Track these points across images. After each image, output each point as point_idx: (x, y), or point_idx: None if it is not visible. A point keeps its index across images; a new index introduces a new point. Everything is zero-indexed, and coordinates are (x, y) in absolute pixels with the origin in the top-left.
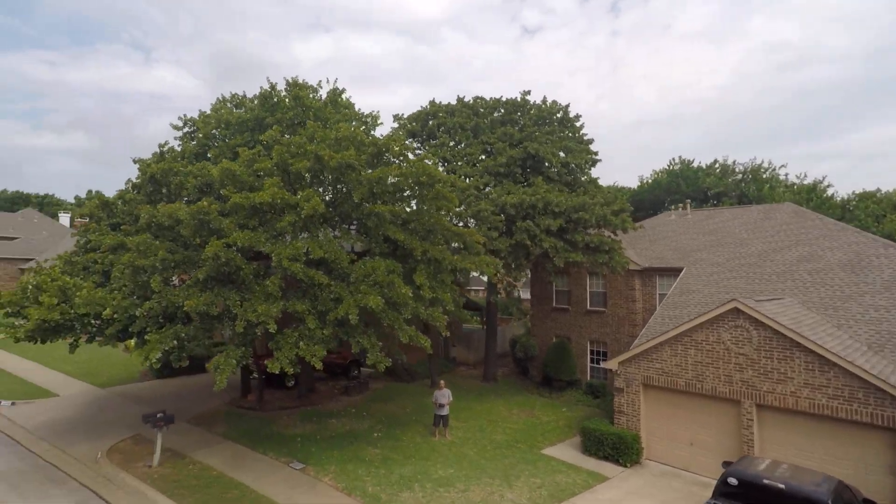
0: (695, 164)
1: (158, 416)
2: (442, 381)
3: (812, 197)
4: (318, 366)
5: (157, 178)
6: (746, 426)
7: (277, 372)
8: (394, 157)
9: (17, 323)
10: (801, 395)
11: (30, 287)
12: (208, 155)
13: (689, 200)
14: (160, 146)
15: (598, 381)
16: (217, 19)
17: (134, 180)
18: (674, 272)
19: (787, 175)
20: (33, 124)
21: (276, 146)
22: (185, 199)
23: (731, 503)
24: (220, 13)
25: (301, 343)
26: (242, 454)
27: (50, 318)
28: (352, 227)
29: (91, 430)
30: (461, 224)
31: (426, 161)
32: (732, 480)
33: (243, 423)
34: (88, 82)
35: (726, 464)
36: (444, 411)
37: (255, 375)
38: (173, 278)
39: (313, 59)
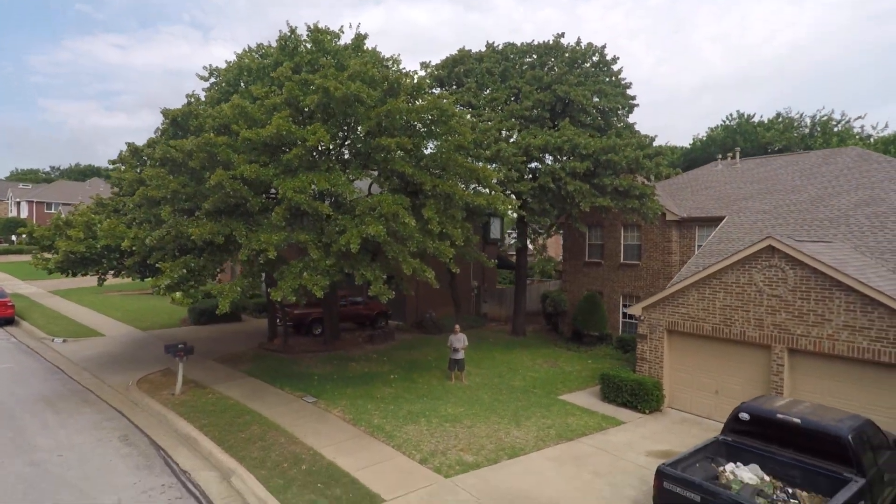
0: (755, 119)
1: (179, 346)
2: (457, 326)
3: (891, 149)
4: (320, 294)
5: (178, 121)
6: (776, 372)
7: (279, 300)
8: (406, 94)
9: (47, 256)
10: (839, 338)
11: (60, 223)
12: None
13: (738, 149)
14: (187, 96)
15: (629, 335)
16: None
17: (161, 126)
18: (715, 222)
19: (862, 127)
20: (106, 105)
21: (287, 83)
22: None
23: (742, 439)
24: None
25: (305, 273)
26: (261, 388)
27: (76, 250)
28: (369, 169)
29: (127, 365)
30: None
31: (443, 100)
32: (744, 416)
33: (266, 363)
34: (153, 63)
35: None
36: (459, 355)
37: (281, 321)
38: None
39: (364, 31)
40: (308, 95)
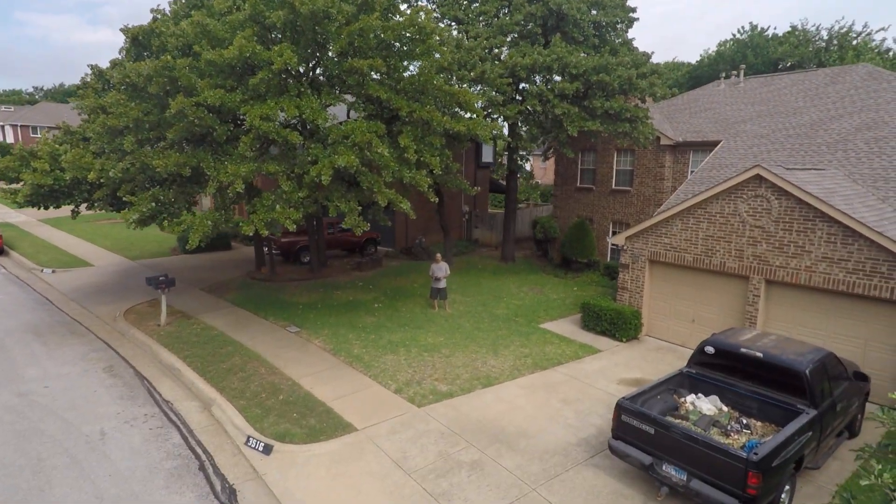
0: (769, 33)
1: (161, 278)
2: (438, 255)
3: None
4: (292, 228)
5: (139, 40)
6: (752, 302)
7: (251, 234)
8: (381, 8)
9: (15, 188)
10: (816, 269)
11: (24, 153)
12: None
13: (742, 66)
14: (152, 10)
15: (616, 262)
16: None
17: (124, 46)
18: (710, 146)
19: (883, 40)
20: (88, 19)
21: None
22: None
23: (706, 372)
24: None
25: (277, 206)
26: (245, 318)
27: (44, 182)
28: (344, 94)
29: (115, 295)
30: (465, 87)
31: (421, 14)
32: (709, 349)
33: (253, 291)
34: None
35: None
36: (441, 284)
37: (268, 249)
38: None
39: None
40: (273, 11)
